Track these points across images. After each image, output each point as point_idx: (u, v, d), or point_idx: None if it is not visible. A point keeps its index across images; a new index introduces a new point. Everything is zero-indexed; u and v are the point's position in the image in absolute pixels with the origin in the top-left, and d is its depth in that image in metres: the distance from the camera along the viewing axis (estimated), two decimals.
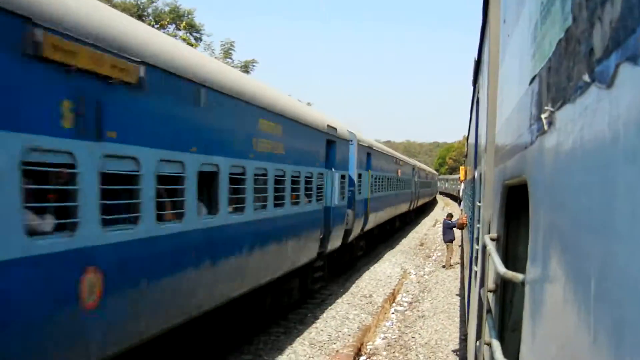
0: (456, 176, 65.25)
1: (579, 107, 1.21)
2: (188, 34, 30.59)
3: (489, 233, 3.73)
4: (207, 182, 7.79)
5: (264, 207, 9.85)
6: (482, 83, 6.49)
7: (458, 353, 11.18)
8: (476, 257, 5.99)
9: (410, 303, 16.11)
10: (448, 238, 21.81)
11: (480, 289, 4.46)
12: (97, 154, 5.31)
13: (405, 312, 15.03)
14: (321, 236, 14.47)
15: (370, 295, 15.67)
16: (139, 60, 5.88)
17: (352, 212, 17.82)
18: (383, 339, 12.56)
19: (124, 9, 24.53)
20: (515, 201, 3.07)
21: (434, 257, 25.12)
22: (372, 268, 20.42)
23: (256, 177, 9.34)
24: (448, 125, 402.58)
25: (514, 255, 3.28)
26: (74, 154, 4.97)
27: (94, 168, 5.25)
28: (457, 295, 16.71)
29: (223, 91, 8.07)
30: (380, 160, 24.63)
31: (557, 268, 1.43)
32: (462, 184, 23.68)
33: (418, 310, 15.03)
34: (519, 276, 2.11)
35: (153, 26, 27.34)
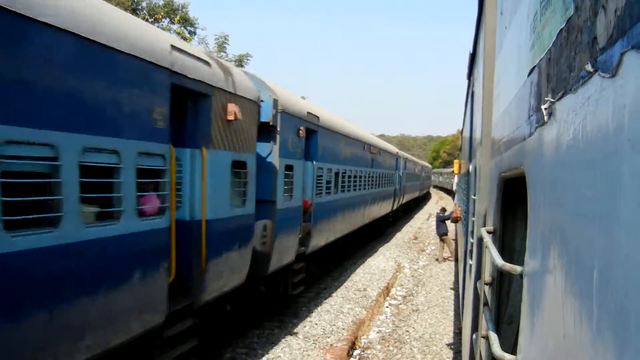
0: (450, 170, 65.15)
1: (581, 98, 1.20)
2: (182, 28, 30.43)
3: (484, 226, 3.73)
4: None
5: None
6: (478, 76, 6.48)
7: (452, 346, 11.22)
8: (471, 251, 6.00)
9: (405, 297, 16.15)
10: (442, 231, 21.82)
11: (476, 282, 4.47)
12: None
13: (400, 306, 15.07)
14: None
15: (365, 289, 15.69)
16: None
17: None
18: (377, 332, 12.58)
19: (118, 3, 24.37)
20: (512, 193, 3.07)
21: (428, 251, 25.17)
22: (366, 262, 20.44)
23: None
24: (442, 119, 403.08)
25: (510, 247, 3.28)
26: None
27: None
28: (451, 289, 16.76)
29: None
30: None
31: (556, 260, 1.42)
32: (456, 177, 23.63)
33: (412, 304, 15.06)
34: (516, 268, 2.10)
35: (147, 20, 27.20)
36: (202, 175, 7.55)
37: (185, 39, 28.34)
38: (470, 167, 7.89)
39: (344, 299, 14.37)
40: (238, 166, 8.69)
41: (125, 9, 23.69)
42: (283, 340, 10.67)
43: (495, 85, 3.91)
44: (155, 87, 6.29)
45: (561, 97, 1.41)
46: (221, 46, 31.18)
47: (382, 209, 26.74)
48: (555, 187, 1.51)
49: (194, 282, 7.55)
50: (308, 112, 12.73)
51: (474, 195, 5.84)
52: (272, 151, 10.39)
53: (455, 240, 21.04)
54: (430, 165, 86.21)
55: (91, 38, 5.15)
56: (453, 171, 28.63)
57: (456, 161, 23.86)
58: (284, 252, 11.36)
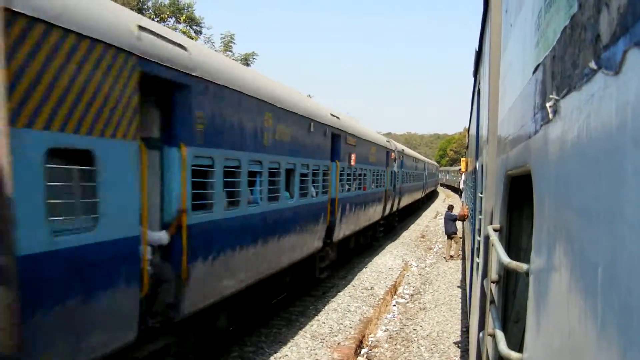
0: (457, 168, 64.88)
1: (585, 95, 1.20)
2: (188, 27, 30.51)
3: (491, 224, 3.72)
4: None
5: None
6: (484, 74, 6.46)
7: (459, 345, 11.20)
8: (478, 249, 5.99)
9: (412, 295, 16.13)
10: (451, 230, 21.63)
11: (482, 280, 4.46)
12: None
13: (407, 304, 15.06)
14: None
15: (372, 288, 15.68)
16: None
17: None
18: (384, 331, 12.58)
19: (124, 3, 24.43)
20: (518, 191, 3.06)
21: (435, 249, 25.13)
22: (373, 260, 20.44)
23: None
24: (449, 117, 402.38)
25: (516, 245, 3.27)
26: None
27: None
28: (458, 287, 16.73)
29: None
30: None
31: (562, 258, 1.42)
32: (463, 176, 23.54)
33: (419, 303, 15.05)
34: (523, 266, 2.10)
35: (153, 19, 27.26)
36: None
37: (191, 38, 28.39)
38: (477, 165, 7.88)
39: (351, 297, 14.38)
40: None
41: (131, 9, 23.75)
42: (290, 339, 10.69)
43: (500, 82, 3.90)
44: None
45: (565, 95, 1.41)
46: (227, 45, 31.24)
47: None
48: (560, 184, 1.51)
49: None
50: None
51: (481, 193, 5.83)
52: None
53: (463, 238, 20.99)
54: (437, 164, 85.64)
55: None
56: (460, 169, 28.31)
57: (463, 159, 23.80)
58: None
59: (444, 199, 64.09)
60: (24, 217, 4.31)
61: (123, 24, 5.63)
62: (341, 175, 15.51)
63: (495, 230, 3.21)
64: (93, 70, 5.08)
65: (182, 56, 6.74)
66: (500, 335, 2.40)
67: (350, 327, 11.72)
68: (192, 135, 6.99)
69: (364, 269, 18.57)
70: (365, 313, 12.98)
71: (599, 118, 1.10)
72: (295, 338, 10.75)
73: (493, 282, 3.26)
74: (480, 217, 5.79)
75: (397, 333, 12.31)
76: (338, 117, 15.26)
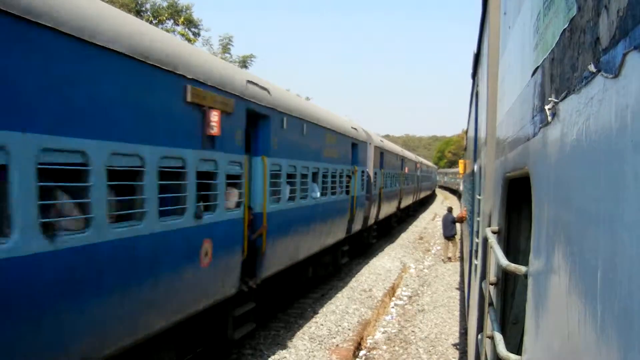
0: (455, 170, 64.66)
1: (584, 98, 1.20)
2: (186, 29, 30.51)
3: (489, 226, 3.72)
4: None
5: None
6: (482, 76, 6.47)
7: (458, 347, 11.20)
8: (476, 251, 5.99)
9: (410, 297, 16.13)
10: (450, 233, 21.44)
11: (481, 282, 4.46)
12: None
13: (405, 306, 15.05)
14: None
15: (370, 290, 15.68)
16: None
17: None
18: (383, 333, 12.57)
19: (122, 5, 24.44)
20: (517, 193, 3.06)
21: (433, 251, 25.13)
22: (371, 262, 20.42)
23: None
24: (447, 119, 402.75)
25: (515, 247, 3.28)
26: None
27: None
28: (456, 289, 16.73)
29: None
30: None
31: (561, 260, 1.43)
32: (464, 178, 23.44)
33: (418, 304, 15.05)
34: (521, 268, 2.10)
35: (151, 22, 27.27)
36: None
37: (189, 40, 28.40)
38: (475, 167, 7.89)
39: (349, 299, 14.37)
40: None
41: (129, 11, 23.76)
42: (289, 341, 10.68)
43: (499, 85, 3.91)
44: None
45: (564, 98, 1.41)
46: (225, 47, 31.25)
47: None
48: (559, 187, 1.51)
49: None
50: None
51: (479, 195, 5.83)
52: None
53: (461, 240, 20.99)
54: (435, 166, 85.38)
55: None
56: (458, 171, 28.04)
57: (461, 161, 23.80)
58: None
59: (442, 201, 64.09)
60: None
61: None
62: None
63: (493, 233, 3.22)
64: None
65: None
66: (499, 337, 2.40)
67: (349, 329, 11.71)
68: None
69: (362, 271, 18.56)
70: (363, 315, 12.97)
71: (598, 121, 1.10)
72: (294, 340, 10.73)
73: (491, 284, 3.26)
74: (478, 219, 5.80)
75: (395, 335, 12.30)
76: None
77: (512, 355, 2.16)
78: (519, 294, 3.21)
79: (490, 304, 3.25)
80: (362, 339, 11.59)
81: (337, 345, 10.64)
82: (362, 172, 18.83)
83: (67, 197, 5.09)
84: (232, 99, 8.05)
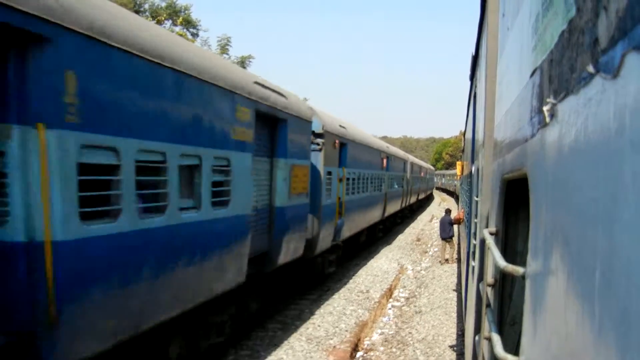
0: (453, 171, 64.55)
1: (583, 99, 1.20)
2: (185, 30, 30.50)
3: (487, 227, 3.72)
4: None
5: None
6: (480, 77, 6.48)
7: (455, 348, 11.20)
8: (474, 252, 6.00)
9: (407, 298, 16.14)
10: (448, 235, 21.44)
11: (478, 283, 4.46)
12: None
13: (402, 308, 15.06)
14: None
15: (367, 291, 15.67)
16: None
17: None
18: (380, 334, 12.57)
19: (121, 5, 24.40)
20: (514, 195, 3.06)
21: (430, 253, 25.14)
22: (368, 264, 20.43)
23: None
24: (444, 121, 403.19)
25: (512, 248, 3.28)
26: None
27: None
28: (454, 290, 16.73)
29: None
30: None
31: (559, 261, 1.42)
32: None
33: (415, 306, 15.05)
34: (519, 270, 2.10)
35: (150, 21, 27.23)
36: None
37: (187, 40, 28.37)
38: (473, 169, 7.89)
39: (346, 300, 14.36)
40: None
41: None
42: (286, 342, 10.67)
43: (497, 86, 3.91)
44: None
45: (563, 99, 1.41)
46: (224, 48, 31.25)
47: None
48: (557, 188, 1.51)
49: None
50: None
51: (477, 197, 5.83)
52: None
53: (458, 241, 20.99)
54: (432, 167, 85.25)
55: None
56: (456, 173, 27.49)
57: (459, 163, 23.80)
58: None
59: (440, 203, 64.12)
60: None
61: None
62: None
63: (491, 234, 3.22)
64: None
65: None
66: (496, 338, 2.40)
67: (346, 330, 11.71)
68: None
69: (360, 272, 18.56)
70: (360, 316, 12.97)
71: (596, 122, 1.10)
72: (291, 341, 10.73)
73: (489, 285, 3.26)
74: (476, 220, 5.80)
75: (392, 336, 12.30)
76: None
77: (509, 357, 2.16)
78: (516, 295, 3.21)
79: (488, 305, 3.25)
80: (359, 340, 11.59)
81: (334, 346, 10.64)
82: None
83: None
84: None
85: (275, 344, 10.54)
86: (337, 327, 11.94)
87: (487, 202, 4.28)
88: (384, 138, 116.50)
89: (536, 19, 1.89)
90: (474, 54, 8.57)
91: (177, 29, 29.83)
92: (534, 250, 1.86)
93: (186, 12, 30.64)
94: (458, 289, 16.19)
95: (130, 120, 5.85)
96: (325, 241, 14.79)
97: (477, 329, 4.24)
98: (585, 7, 1.20)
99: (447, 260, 21.89)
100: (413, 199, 37.24)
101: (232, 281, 8.57)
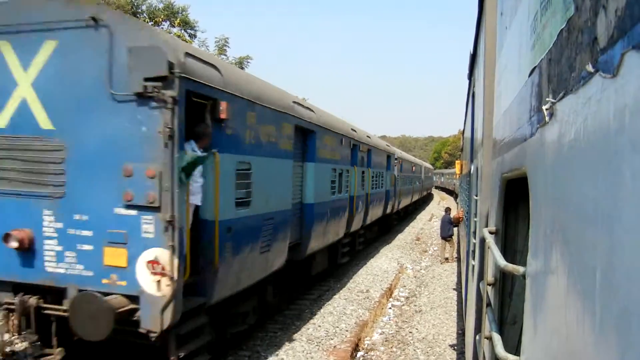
0: (452, 170, 64.58)
1: (582, 98, 1.20)
2: (182, 31, 30.48)
3: (486, 226, 3.72)
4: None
5: None
6: (478, 76, 6.48)
7: (455, 347, 11.20)
8: (473, 251, 6.00)
9: (407, 298, 16.13)
10: (448, 233, 21.46)
11: (478, 282, 4.46)
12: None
13: (402, 307, 15.06)
14: None
15: (367, 291, 15.67)
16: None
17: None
18: (380, 334, 12.57)
19: (118, 7, 24.41)
20: (514, 194, 3.06)
21: (430, 252, 25.15)
22: (368, 263, 20.42)
23: None
24: (443, 120, 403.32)
25: (512, 248, 3.28)
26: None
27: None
28: (454, 289, 16.74)
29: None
30: None
31: (559, 260, 1.42)
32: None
33: (415, 305, 15.05)
34: (519, 269, 2.10)
35: (147, 23, 27.21)
36: None
37: (185, 41, 28.35)
38: (472, 168, 7.89)
39: (346, 300, 14.36)
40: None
41: (125, 12, 23.71)
42: (286, 342, 10.66)
43: (496, 85, 3.91)
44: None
45: (562, 98, 1.41)
46: (221, 49, 31.23)
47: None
48: (556, 187, 1.51)
49: None
50: None
51: (476, 196, 5.83)
52: None
53: (458, 241, 21.00)
54: (431, 166, 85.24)
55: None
56: (455, 172, 27.30)
57: (458, 162, 23.82)
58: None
59: (439, 202, 64.15)
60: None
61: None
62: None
63: (491, 233, 3.22)
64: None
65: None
66: (497, 337, 2.40)
67: (346, 330, 11.70)
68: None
69: (359, 272, 18.56)
70: (361, 316, 12.97)
71: (596, 121, 1.10)
72: (291, 342, 10.72)
73: (489, 284, 3.26)
74: (475, 219, 5.80)
75: (393, 336, 12.30)
76: None
77: (510, 356, 2.16)
78: (516, 295, 3.21)
79: (488, 304, 3.25)
80: (359, 340, 11.58)
81: (334, 346, 10.64)
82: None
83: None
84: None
85: (275, 344, 10.53)
86: (337, 327, 11.94)
87: (487, 201, 4.28)
88: (383, 137, 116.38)
89: (535, 18, 1.89)
90: (472, 52, 8.57)
91: (175, 30, 29.81)
92: (534, 249, 1.86)
93: (184, 13, 30.63)
94: (458, 288, 16.19)
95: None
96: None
97: (478, 328, 4.24)
98: (584, 6, 1.20)
99: (447, 259, 21.91)
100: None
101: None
